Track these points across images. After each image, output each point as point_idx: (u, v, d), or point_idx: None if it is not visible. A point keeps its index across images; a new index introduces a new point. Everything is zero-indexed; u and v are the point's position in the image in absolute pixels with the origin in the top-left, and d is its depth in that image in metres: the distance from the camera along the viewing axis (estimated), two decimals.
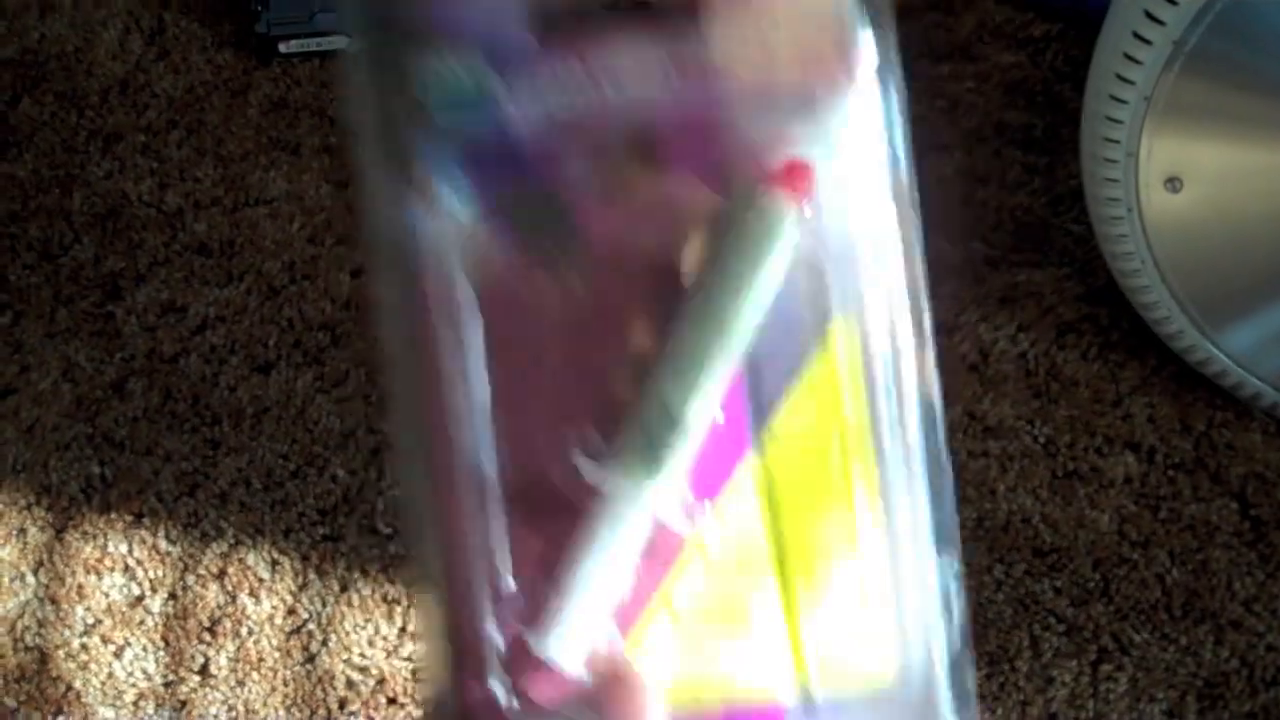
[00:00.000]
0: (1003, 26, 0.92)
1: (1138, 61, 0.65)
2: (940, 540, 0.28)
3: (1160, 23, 0.63)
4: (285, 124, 0.89)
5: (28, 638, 0.68)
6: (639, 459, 0.28)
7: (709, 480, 0.28)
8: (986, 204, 0.83)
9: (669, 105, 0.28)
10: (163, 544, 0.70)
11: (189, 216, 0.85)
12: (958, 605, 0.28)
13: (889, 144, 0.28)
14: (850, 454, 0.28)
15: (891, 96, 0.28)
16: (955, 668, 0.28)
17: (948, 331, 0.76)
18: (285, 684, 0.67)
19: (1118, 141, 0.68)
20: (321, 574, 0.68)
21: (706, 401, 0.28)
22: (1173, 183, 0.68)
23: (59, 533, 0.71)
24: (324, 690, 0.67)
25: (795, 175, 0.28)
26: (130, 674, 0.66)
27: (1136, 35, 0.65)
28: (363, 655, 0.67)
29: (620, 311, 0.28)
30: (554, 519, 0.28)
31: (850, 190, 0.28)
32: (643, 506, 0.28)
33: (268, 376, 0.77)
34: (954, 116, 0.87)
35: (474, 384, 0.28)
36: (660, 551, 0.28)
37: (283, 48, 0.91)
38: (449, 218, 0.28)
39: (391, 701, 0.66)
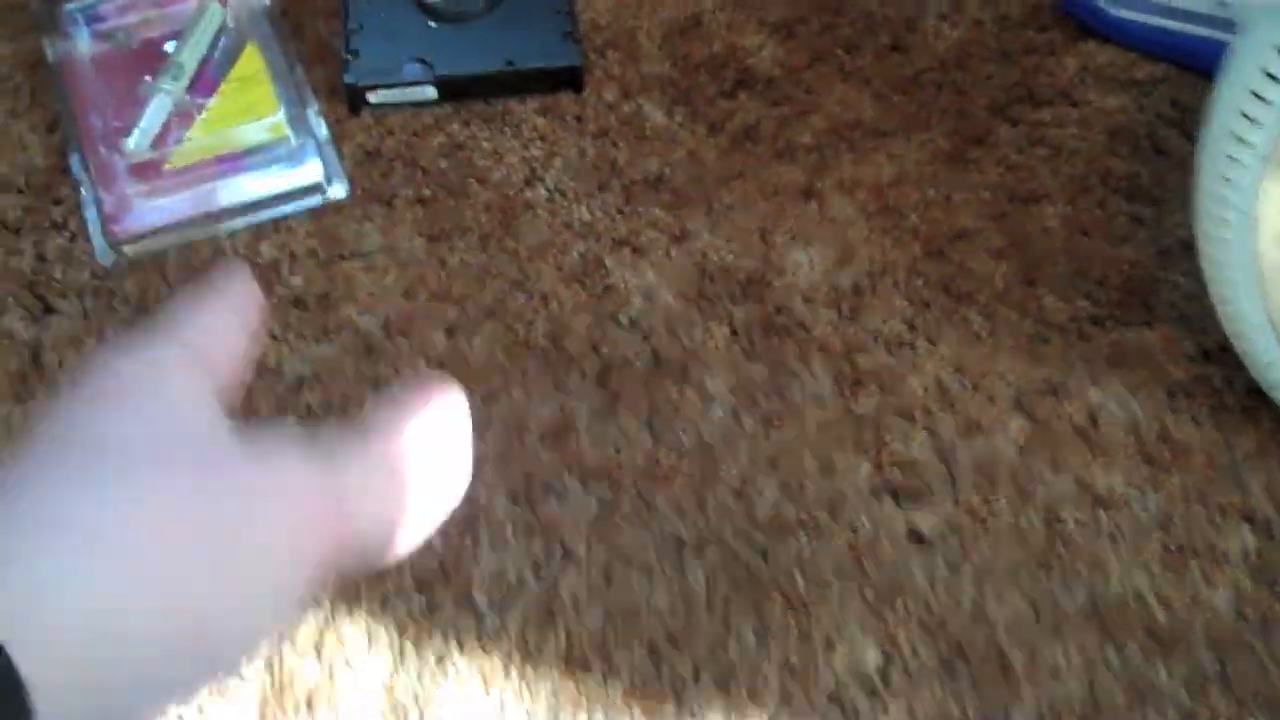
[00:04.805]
0: (1105, 69, 0.89)
1: (1257, 122, 0.63)
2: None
3: None
4: (379, 174, 0.89)
5: None
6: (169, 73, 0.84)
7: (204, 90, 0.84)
8: (1092, 257, 0.80)
9: None
10: None
11: (285, 269, 0.85)
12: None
13: None
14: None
15: None
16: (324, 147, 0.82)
17: (1054, 393, 0.74)
18: None
19: (1233, 202, 0.66)
20: (418, 647, 0.68)
21: (191, 60, 0.84)
22: None
23: None
24: None
25: None
26: None
27: (1255, 95, 0.63)
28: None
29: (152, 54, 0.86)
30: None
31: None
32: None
33: None
34: (1056, 164, 0.85)
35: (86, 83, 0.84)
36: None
37: (371, 98, 0.91)
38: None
39: None
